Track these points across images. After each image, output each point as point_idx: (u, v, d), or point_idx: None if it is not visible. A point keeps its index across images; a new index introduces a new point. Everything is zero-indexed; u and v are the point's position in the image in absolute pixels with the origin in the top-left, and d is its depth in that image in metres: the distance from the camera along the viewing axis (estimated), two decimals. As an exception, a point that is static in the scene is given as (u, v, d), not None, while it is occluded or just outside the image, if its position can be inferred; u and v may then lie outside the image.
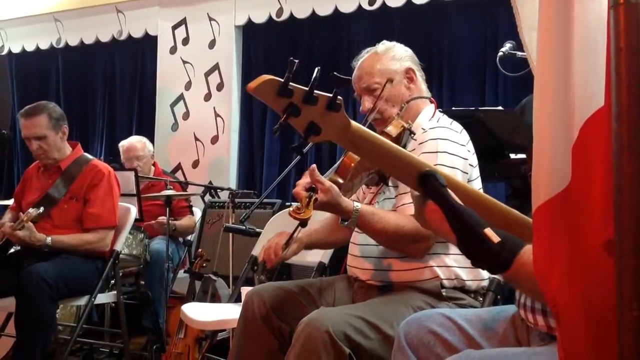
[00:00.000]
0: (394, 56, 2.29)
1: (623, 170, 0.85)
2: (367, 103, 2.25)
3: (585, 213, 0.94)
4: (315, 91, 1.32)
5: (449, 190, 1.30)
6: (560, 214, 0.97)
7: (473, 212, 1.25)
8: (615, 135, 0.86)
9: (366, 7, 5.15)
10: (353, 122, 1.40)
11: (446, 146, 2.13)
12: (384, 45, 2.33)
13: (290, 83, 1.30)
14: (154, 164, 5.17)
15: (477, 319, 1.61)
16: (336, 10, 5.28)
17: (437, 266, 2.11)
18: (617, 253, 0.85)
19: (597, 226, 0.92)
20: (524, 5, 1.16)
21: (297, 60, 1.32)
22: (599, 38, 0.96)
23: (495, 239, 1.18)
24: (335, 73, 1.36)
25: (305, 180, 1.91)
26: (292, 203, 3.31)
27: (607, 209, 0.89)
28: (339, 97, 1.35)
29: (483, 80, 4.88)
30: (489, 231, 1.19)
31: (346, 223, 2.00)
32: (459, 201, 1.28)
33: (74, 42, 6.70)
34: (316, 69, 1.35)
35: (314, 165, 1.91)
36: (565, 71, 0.97)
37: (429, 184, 1.34)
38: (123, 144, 5.13)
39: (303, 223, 1.80)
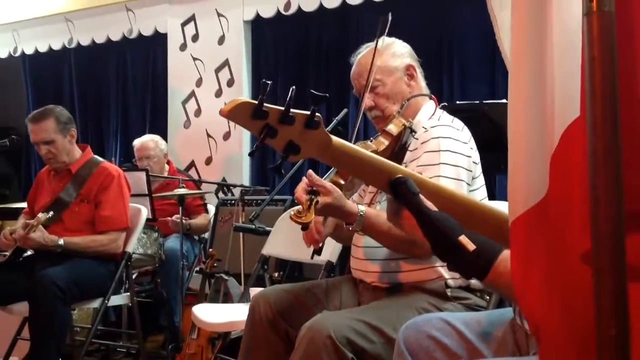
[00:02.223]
0: (394, 52, 2.26)
1: (599, 183, 0.82)
2: (367, 100, 2.23)
3: (564, 224, 0.91)
4: (292, 110, 1.29)
5: (421, 197, 1.28)
6: (538, 226, 0.94)
7: (448, 218, 1.22)
8: (590, 147, 0.83)
9: (374, -2, 5.11)
10: (334, 138, 1.38)
11: (448, 145, 2.10)
12: (383, 41, 2.30)
13: (265, 104, 1.27)
14: (168, 162, 5.19)
15: (475, 323, 1.59)
16: (344, 2, 5.24)
17: (441, 266, 2.08)
18: (594, 268, 0.83)
19: (575, 237, 0.90)
20: (503, 9, 1.13)
21: (269, 82, 1.29)
22: (579, 44, 0.93)
23: (471, 246, 1.16)
24: (312, 91, 1.33)
25: (305, 183, 1.88)
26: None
27: (586, 219, 0.87)
28: (317, 114, 1.32)
29: (493, 70, 4.82)
30: (463, 239, 1.17)
31: (351, 227, 1.98)
32: (432, 207, 1.26)
33: (85, 41, 6.73)
34: (291, 89, 1.33)
35: (311, 170, 1.88)
36: (540, 78, 0.95)
37: (399, 191, 1.31)
38: (136, 143, 5.18)
39: (304, 227, 1.76)
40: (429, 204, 1.28)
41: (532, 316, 0.94)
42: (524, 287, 0.95)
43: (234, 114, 1.27)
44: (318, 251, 2.01)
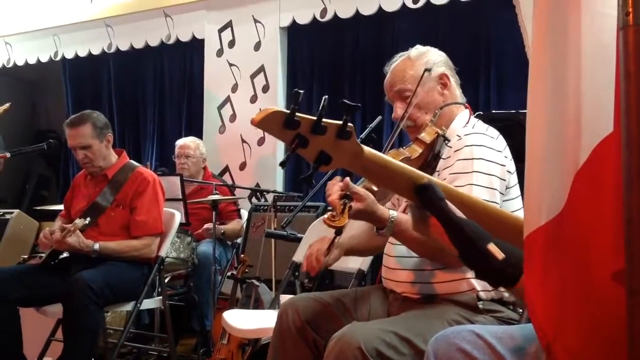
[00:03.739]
0: (427, 62, 2.23)
1: (633, 201, 0.80)
2: (399, 110, 2.22)
3: (588, 241, 0.89)
4: (324, 120, 1.28)
5: (448, 203, 1.25)
6: (553, 241, 0.92)
7: (476, 226, 1.19)
8: (625, 165, 0.81)
9: (410, 5, 5.07)
10: (366, 148, 1.36)
11: (482, 153, 2.07)
12: (417, 49, 2.29)
13: (297, 114, 1.26)
14: (204, 168, 5.26)
15: (508, 337, 1.55)
16: (380, 9, 5.22)
17: (474, 277, 2.06)
18: (627, 289, 0.80)
19: (606, 255, 0.87)
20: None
21: (302, 91, 1.28)
22: (614, 57, 0.91)
23: (499, 255, 1.13)
24: (344, 100, 1.32)
25: (337, 187, 1.87)
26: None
27: (619, 237, 0.84)
28: (349, 124, 1.31)
29: (531, 78, 4.75)
30: (492, 247, 1.14)
31: (382, 232, 1.97)
32: (459, 214, 1.24)
33: (124, 46, 6.80)
34: (323, 98, 1.32)
35: (348, 178, 1.87)
36: (561, 91, 0.92)
37: (425, 197, 1.29)
38: (179, 142, 5.35)
39: (338, 231, 1.76)
40: (456, 211, 1.26)
41: (543, 332, 0.92)
42: (537, 302, 0.93)
43: (265, 123, 1.26)
44: (312, 278, 2.08)
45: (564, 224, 0.91)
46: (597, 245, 0.88)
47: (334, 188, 1.86)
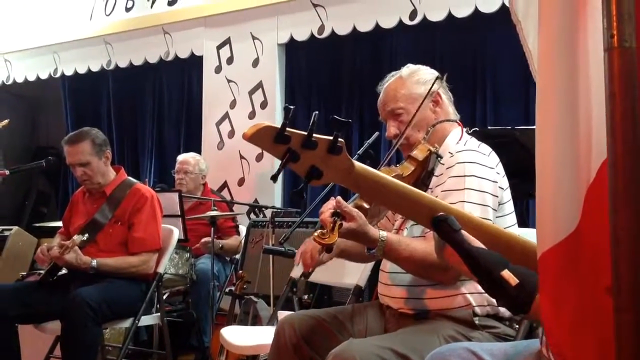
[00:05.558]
0: (419, 80, 2.26)
1: (619, 222, 0.81)
2: (392, 128, 2.24)
3: (597, 259, 0.89)
4: (315, 135, 1.30)
5: (463, 233, 1.28)
6: (568, 260, 0.92)
7: (490, 254, 1.22)
8: (610, 185, 0.82)
9: (407, 22, 5.10)
10: (357, 163, 1.38)
11: (474, 169, 2.09)
12: (408, 68, 2.31)
13: (287, 129, 1.28)
14: (204, 184, 5.26)
15: (502, 354, 1.56)
16: (377, 26, 5.25)
17: (469, 293, 2.07)
18: (614, 307, 0.81)
19: (607, 271, 0.88)
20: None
21: (292, 107, 1.30)
22: None
23: (514, 281, 1.16)
24: (335, 116, 1.34)
25: (330, 205, 1.89)
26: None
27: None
28: (340, 139, 1.33)
29: (527, 93, 4.77)
30: (506, 273, 1.17)
31: (372, 252, 1.98)
32: (475, 242, 1.26)
33: (123, 63, 6.83)
34: (314, 114, 1.34)
35: (339, 197, 1.89)
36: (572, 108, 0.93)
37: (442, 230, 1.32)
38: (179, 157, 5.36)
39: (328, 248, 1.77)
40: (471, 239, 1.29)
41: (562, 354, 0.92)
42: (554, 322, 0.93)
43: (257, 137, 1.28)
44: (306, 275, 2.10)
45: (579, 242, 0.92)
46: (602, 262, 0.89)
47: (327, 206, 1.87)
